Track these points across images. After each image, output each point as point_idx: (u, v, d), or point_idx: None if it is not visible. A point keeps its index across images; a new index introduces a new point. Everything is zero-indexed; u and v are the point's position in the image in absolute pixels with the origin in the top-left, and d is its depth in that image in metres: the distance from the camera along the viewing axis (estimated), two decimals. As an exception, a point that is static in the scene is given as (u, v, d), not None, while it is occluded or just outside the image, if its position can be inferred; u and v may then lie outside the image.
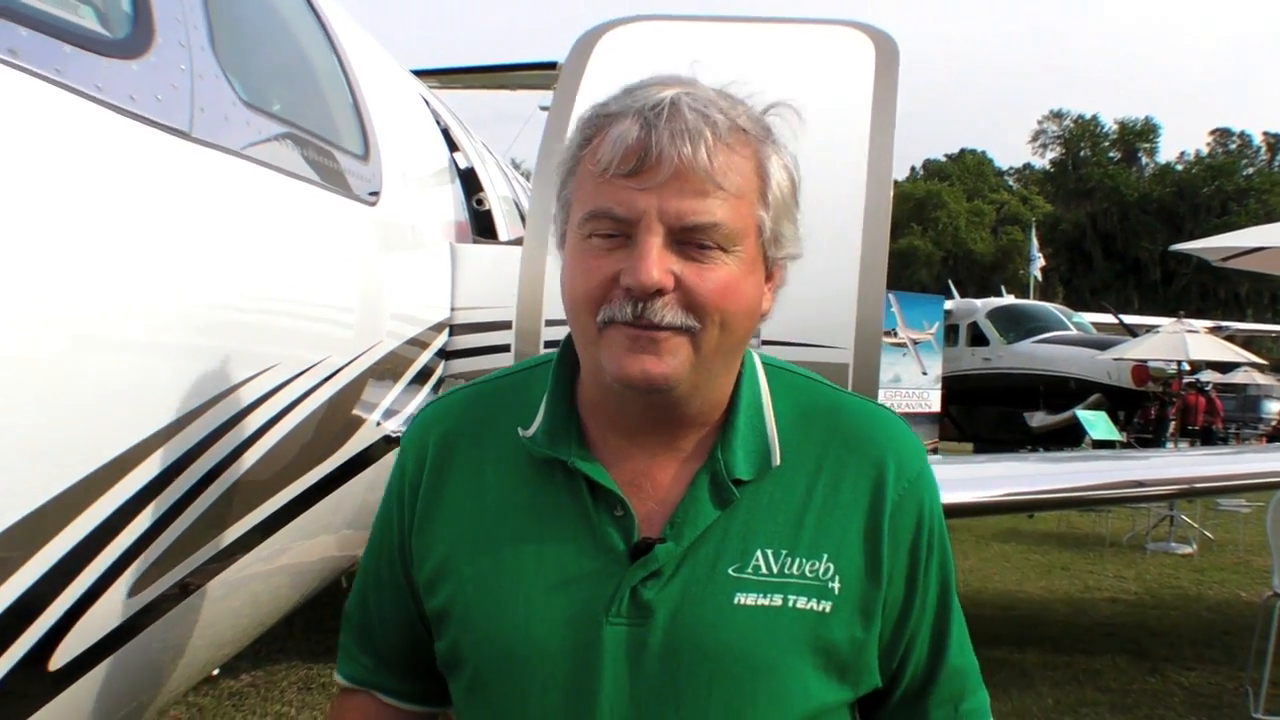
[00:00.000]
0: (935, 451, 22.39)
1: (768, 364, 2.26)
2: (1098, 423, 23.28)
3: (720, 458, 2.11)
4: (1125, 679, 10.34)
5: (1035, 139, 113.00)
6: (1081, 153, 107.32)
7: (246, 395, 3.07)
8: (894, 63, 4.72)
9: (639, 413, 2.12)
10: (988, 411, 29.23)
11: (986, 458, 20.37)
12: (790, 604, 2.07)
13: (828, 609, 2.08)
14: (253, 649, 9.66)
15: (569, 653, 2.08)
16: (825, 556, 2.09)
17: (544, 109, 19.68)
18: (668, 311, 1.98)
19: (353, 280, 4.00)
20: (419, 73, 20.91)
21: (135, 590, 2.75)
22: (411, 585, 2.31)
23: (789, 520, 2.11)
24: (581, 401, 2.19)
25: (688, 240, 1.97)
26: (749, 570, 2.07)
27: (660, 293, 1.97)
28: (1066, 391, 27.37)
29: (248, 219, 3.13)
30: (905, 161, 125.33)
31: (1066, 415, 25.91)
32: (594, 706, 2.06)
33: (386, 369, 4.35)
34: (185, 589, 3.04)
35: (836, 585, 2.09)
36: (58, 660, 2.48)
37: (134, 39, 2.71)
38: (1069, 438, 25.66)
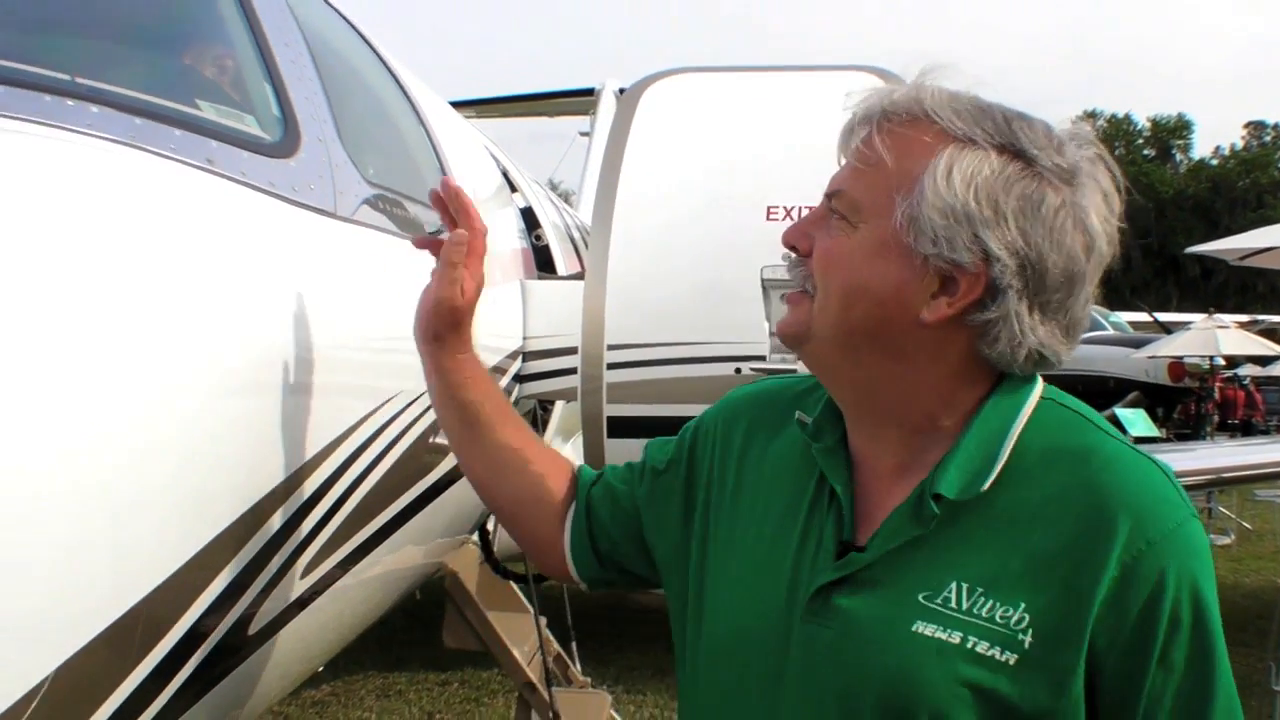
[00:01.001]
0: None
1: (1051, 398, 2.14)
2: (1136, 420, 23.15)
3: (934, 474, 2.05)
4: None
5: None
6: (1116, 152, 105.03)
7: (375, 423, 3.46)
8: None
9: (847, 403, 2.19)
10: None
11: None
12: (969, 645, 1.95)
13: (1012, 661, 1.93)
14: (330, 661, 10.12)
15: (769, 643, 2.12)
16: (1023, 605, 1.95)
17: (583, 134, 20.10)
18: (796, 270, 2.14)
19: None
20: (460, 103, 21.35)
21: (250, 611, 2.89)
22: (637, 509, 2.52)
23: (996, 557, 2.00)
24: None
25: (831, 209, 2.10)
26: (939, 600, 1.99)
27: (795, 250, 2.14)
28: (1105, 390, 27.17)
29: (373, 275, 3.61)
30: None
31: (1106, 414, 26.00)
32: (780, 697, 2.09)
33: None
34: (291, 606, 3.20)
35: (1028, 639, 1.94)
36: (185, 673, 2.58)
37: (287, 141, 3.23)
38: None
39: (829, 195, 2.11)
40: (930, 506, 2.02)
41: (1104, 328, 30.45)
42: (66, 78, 2.80)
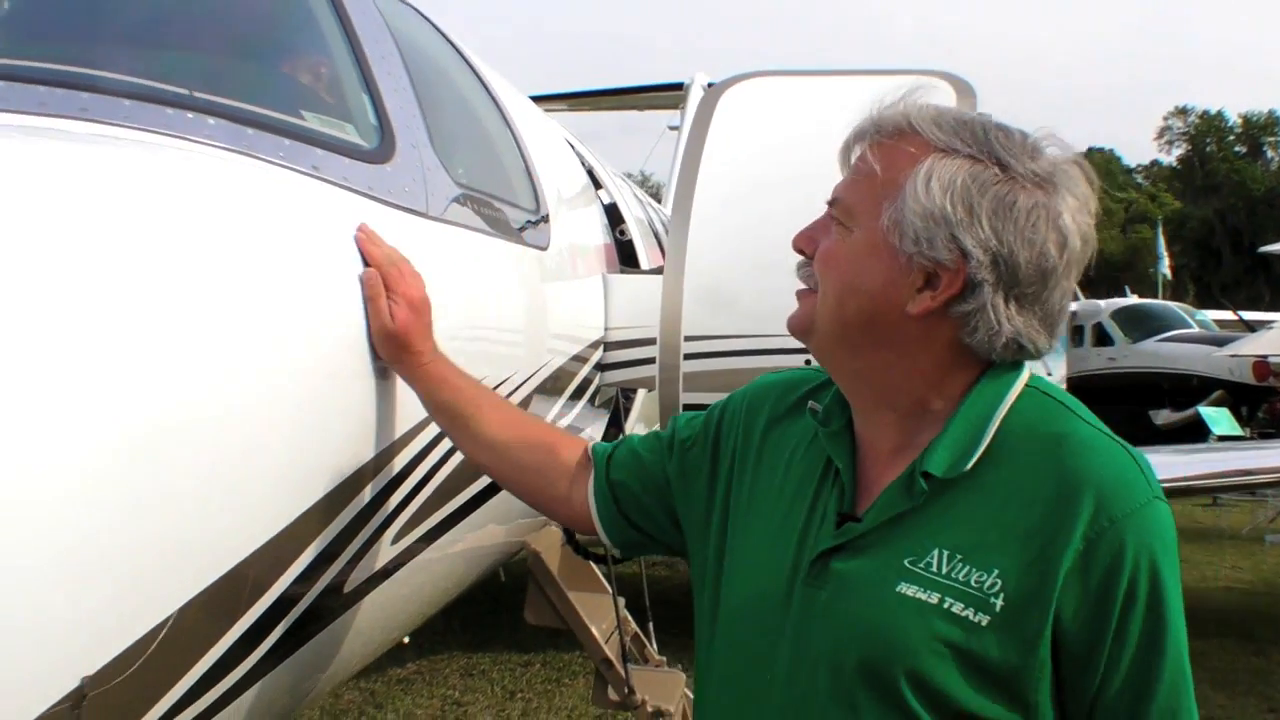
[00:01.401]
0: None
1: (1035, 386, 2.32)
2: (1220, 419, 22.90)
3: (924, 454, 2.24)
4: (1230, 659, 10.80)
5: (1160, 136, 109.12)
6: (1207, 148, 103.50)
7: None
8: (971, 103, 5.33)
9: (848, 390, 2.41)
10: (1114, 410, 28.57)
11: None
12: (945, 605, 2.12)
13: (984, 622, 2.11)
14: (415, 640, 10.18)
15: (774, 605, 2.33)
16: (996, 572, 2.12)
17: (673, 128, 20.12)
18: (803, 270, 2.38)
19: (532, 310, 4.65)
20: (551, 97, 21.52)
21: (339, 578, 3.10)
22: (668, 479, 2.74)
23: (974, 528, 2.17)
24: None
25: (831, 215, 2.33)
26: (921, 565, 2.17)
27: (803, 253, 2.37)
28: (1189, 389, 26.95)
29: (461, 270, 3.83)
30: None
31: (1190, 412, 25.59)
32: (775, 660, 2.30)
33: (557, 380, 4.98)
34: (376, 576, 3.39)
35: (999, 603, 2.10)
36: (278, 630, 2.79)
37: (383, 149, 3.48)
38: (1194, 435, 25.19)
39: (829, 203, 2.34)
40: (920, 483, 2.21)
41: (1189, 325, 30.22)
42: (185, 92, 3.07)
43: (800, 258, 2.42)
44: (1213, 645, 11.24)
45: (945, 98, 5.39)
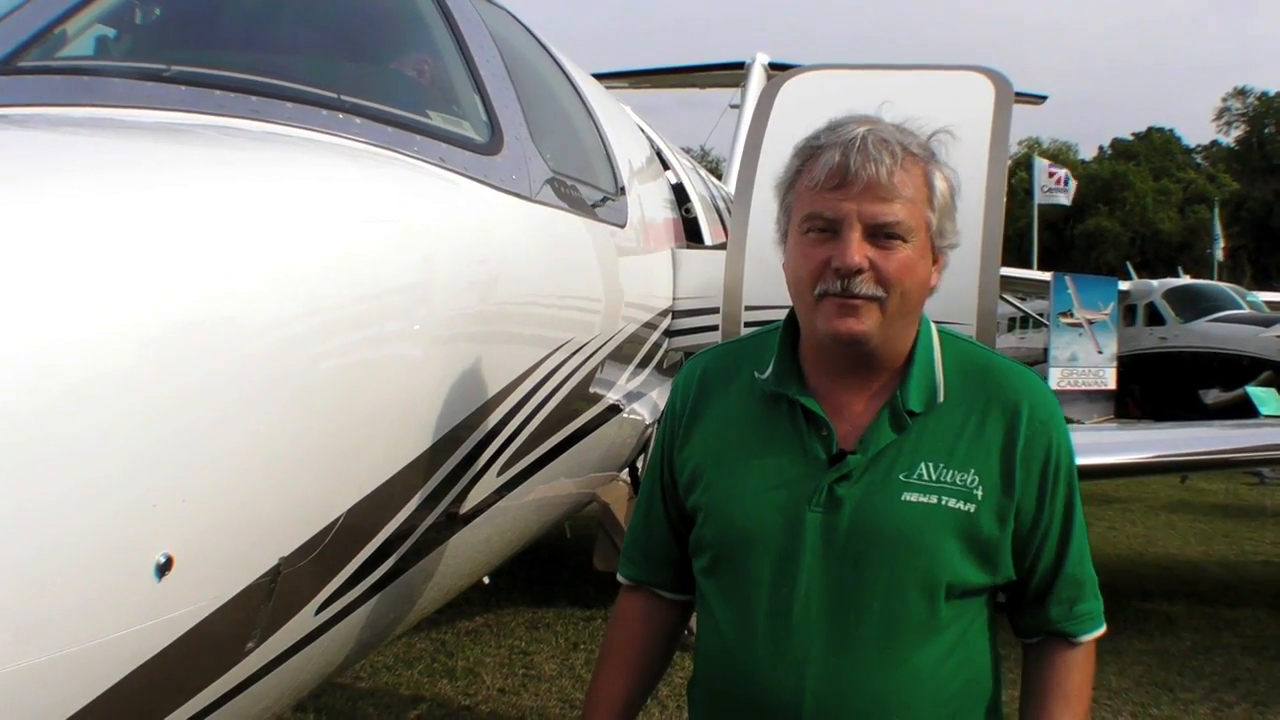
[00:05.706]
0: (1108, 427, 22.32)
1: (941, 330, 2.80)
2: (1268, 399, 22.40)
3: (899, 395, 2.65)
4: (1260, 627, 11.02)
5: (1219, 116, 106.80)
6: (1266, 130, 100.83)
7: (551, 363, 4.11)
8: (1009, 97, 5.74)
9: (843, 360, 2.67)
10: (1165, 389, 28.53)
11: (1138, 424, 20.67)
12: (943, 502, 2.59)
13: (972, 509, 2.59)
14: (482, 595, 10.55)
15: (781, 532, 2.65)
16: (972, 470, 2.61)
17: (733, 106, 20.26)
18: (865, 285, 2.54)
19: (612, 280, 5.10)
20: (614, 75, 21.74)
21: (431, 523, 3.50)
22: (675, 489, 2.91)
23: (947, 443, 2.64)
24: (802, 354, 2.74)
25: (878, 234, 2.54)
26: (915, 477, 2.61)
27: (860, 271, 2.52)
28: (1239, 369, 26.86)
29: (557, 244, 4.31)
30: (1093, 141, 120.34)
31: (1238, 392, 25.14)
32: (797, 572, 2.63)
33: (630, 344, 5.43)
34: (458, 523, 3.78)
35: (980, 492, 2.60)
36: (375, 575, 3.20)
37: (494, 141, 3.99)
38: (1242, 414, 24.30)
39: (879, 227, 2.56)
40: (905, 419, 2.65)
41: (1240, 306, 29.90)
42: (335, 95, 3.58)
43: (856, 274, 2.56)
44: (1245, 614, 11.54)
45: (984, 92, 5.83)
